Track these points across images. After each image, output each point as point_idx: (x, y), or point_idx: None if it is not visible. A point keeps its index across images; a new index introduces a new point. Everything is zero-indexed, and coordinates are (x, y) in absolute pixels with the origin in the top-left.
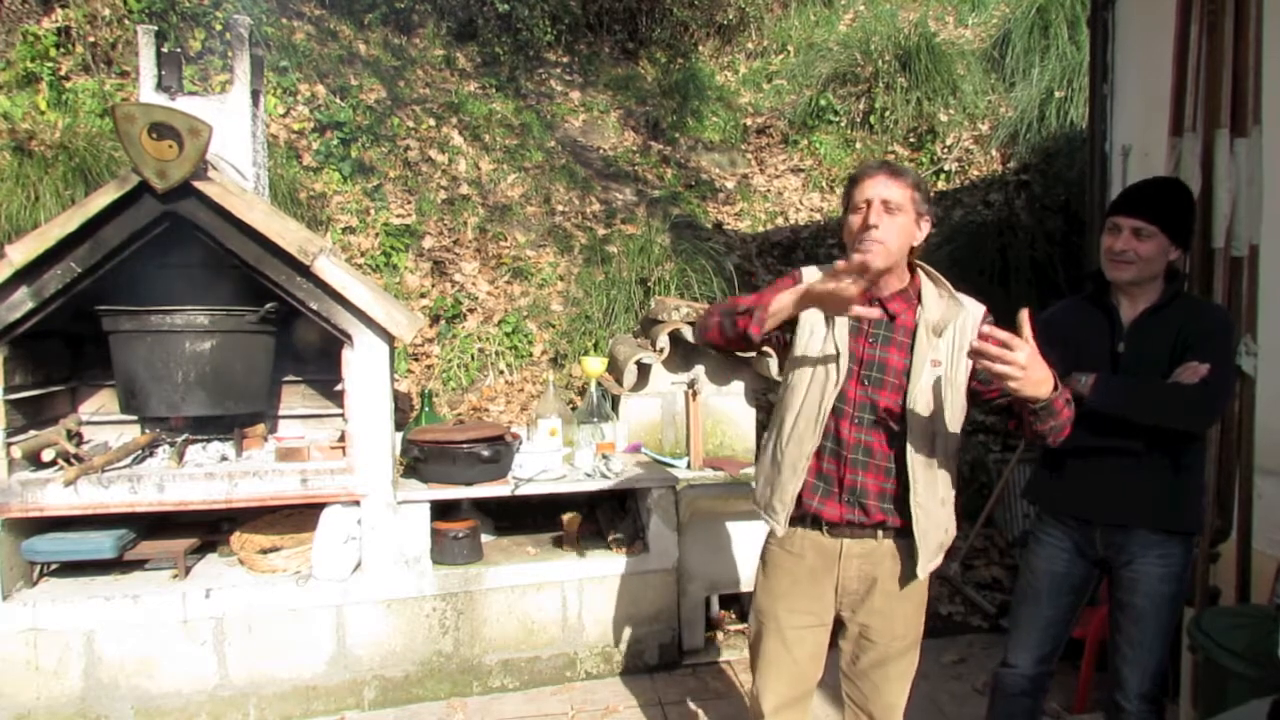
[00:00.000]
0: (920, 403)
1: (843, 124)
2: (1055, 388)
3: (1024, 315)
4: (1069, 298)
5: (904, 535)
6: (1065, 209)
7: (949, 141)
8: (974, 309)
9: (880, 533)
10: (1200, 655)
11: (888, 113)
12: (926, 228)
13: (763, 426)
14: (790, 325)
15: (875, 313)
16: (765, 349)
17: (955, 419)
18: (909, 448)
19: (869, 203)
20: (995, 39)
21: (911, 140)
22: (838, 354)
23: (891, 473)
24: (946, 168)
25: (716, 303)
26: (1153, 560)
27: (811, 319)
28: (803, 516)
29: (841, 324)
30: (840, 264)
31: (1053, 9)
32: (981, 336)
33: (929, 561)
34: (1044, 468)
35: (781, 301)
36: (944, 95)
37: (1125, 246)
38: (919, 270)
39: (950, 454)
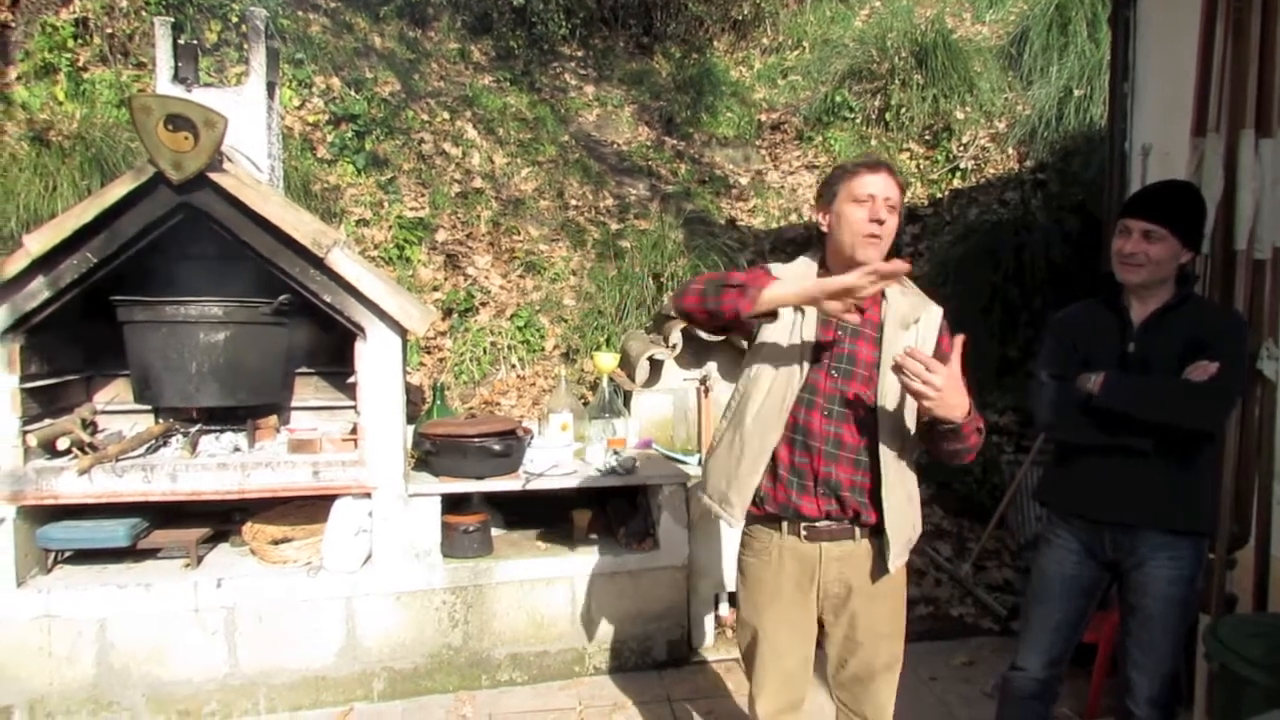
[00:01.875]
0: (890, 396)
1: (858, 121)
2: (969, 413)
3: (959, 340)
4: (1082, 301)
5: (877, 533)
6: (1082, 209)
7: (965, 139)
8: (935, 309)
9: (858, 531)
10: (1215, 663)
11: (903, 110)
12: None
13: None
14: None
15: (855, 318)
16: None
17: (914, 416)
18: (880, 441)
19: (873, 198)
20: (1013, 36)
21: (927, 138)
22: (804, 345)
23: (863, 465)
24: (962, 165)
25: (702, 275)
26: (1162, 562)
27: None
28: (780, 516)
29: (810, 315)
30: (880, 266)
31: (1072, 6)
32: (907, 352)
33: (898, 557)
34: (1054, 467)
35: (783, 291)
36: (960, 92)
37: (1135, 249)
38: None
39: (912, 450)
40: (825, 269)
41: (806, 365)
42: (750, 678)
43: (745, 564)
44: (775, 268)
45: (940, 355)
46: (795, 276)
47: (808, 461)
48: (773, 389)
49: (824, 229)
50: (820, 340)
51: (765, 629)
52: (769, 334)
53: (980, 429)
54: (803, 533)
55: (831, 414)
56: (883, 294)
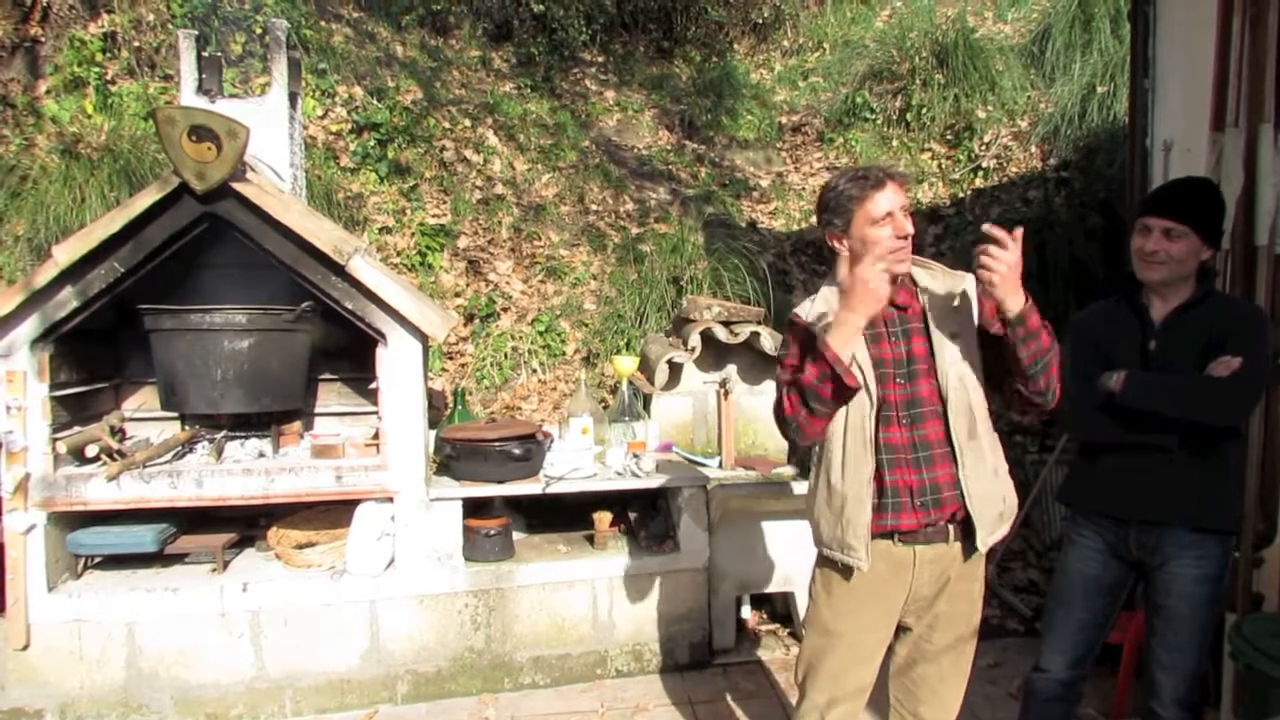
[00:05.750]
0: (950, 378)
1: (879, 121)
2: (1026, 300)
3: (1018, 232)
4: (1101, 300)
5: (966, 524)
6: (1106, 206)
7: (987, 138)
8: (967, 278)
9: (951, 531)
10: (1241, 663)
11: (924, 110)
12: None
13: None
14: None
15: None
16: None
17: (982, 384)
18: (951, 426)
19: (891, 215)
20: (1035, 34)
21: (949, 137)
22: (862, 370)
23: (949, 455)
24: (984, 165)
25: (777, 409)
26: (1189, 561)
27: None
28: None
29: (860, 343)
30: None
31: (1094, 2)
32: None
33: (989, 535)
34: (1078, 467)
35: (843, 336)
36: (982, 91)
37: (1156, 247)
38: None
39: (988, 421)
40: None
41: (875, 387)
42: (812, 687)
43: (826, 573)
44: (804, 307)
45: (985, 320)
46: (831, 307)
47: (897, 478)
48: (850, 424)
49: (843, 254)
50: (877, 357)
51: (849, 634)
52: None
53: (1050, 329)
54: (897, 539)
55: (911, 419)
56: (914, 283)
